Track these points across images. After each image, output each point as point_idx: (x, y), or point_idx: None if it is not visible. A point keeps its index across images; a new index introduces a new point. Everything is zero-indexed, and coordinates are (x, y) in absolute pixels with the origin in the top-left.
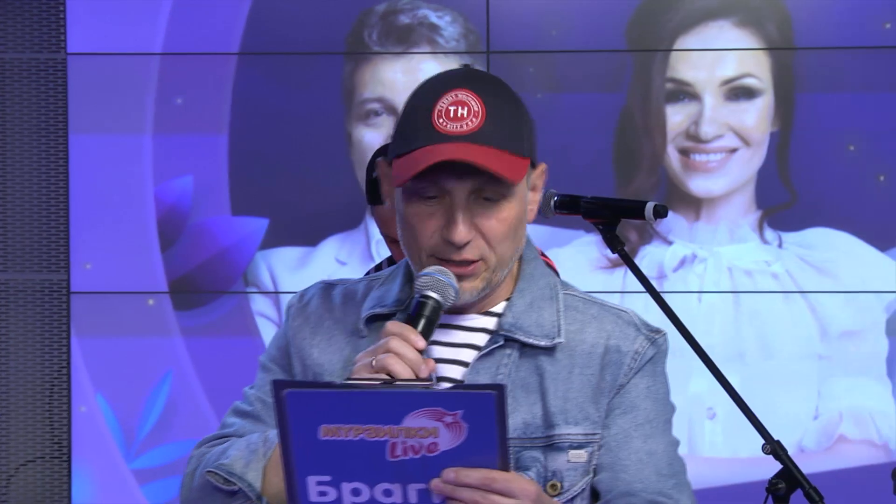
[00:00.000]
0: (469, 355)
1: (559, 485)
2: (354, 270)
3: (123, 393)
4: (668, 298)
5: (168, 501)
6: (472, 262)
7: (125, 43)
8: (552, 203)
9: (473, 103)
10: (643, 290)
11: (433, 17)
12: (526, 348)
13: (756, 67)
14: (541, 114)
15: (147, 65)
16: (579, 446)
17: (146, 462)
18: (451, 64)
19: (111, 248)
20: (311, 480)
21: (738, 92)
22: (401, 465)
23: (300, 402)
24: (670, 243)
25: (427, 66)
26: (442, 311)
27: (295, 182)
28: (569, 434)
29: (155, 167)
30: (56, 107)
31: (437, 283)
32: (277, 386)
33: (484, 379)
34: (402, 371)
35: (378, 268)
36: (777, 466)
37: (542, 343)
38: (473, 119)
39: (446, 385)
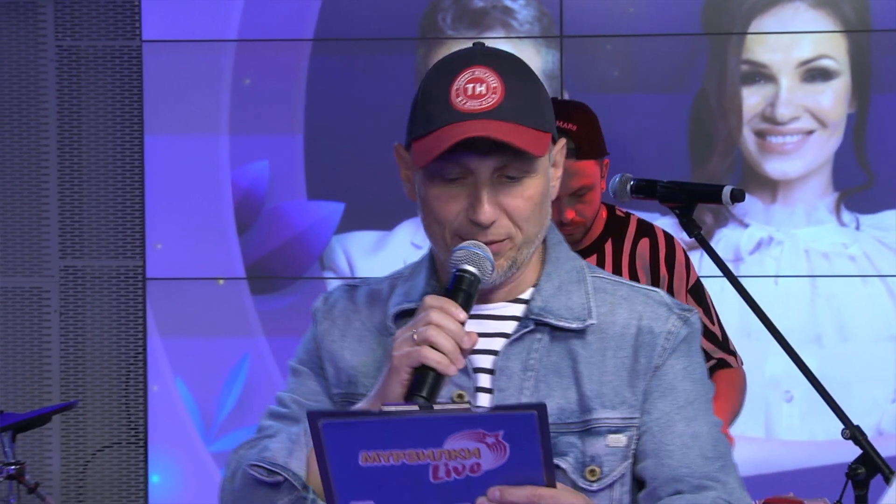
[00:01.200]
0: (500, 344)
1: (598, 470)
2: None
3: (202, 377)
4: (744, 282)
5: None
6: (499, 240)
7: (200, 30)
8: (629, 187)
9: (491, 79)
10: (720, 273)
11: (507, 1)
12: (557, 332)
13: (833, 49)
14: (615, 98)
15: (222, 51)
16: (618, 430)
17: (225, 445)
18: (525, 47)
19: (187, 234)
20: None
21: (815, 73)
22: (445, 486)
23: (337, 432)
24: (746, 226)
25: None
26: (479, 285)
27: (370, 166)
28: (607, 418)
29: (231, 152)
30: (131, 94)
31: (473, 256)
32: (312, 417)
33: (515, 365)
34: (444, 342)
35: None
36: (854, 449)
37: (574, 325)
38: (493, 95)
39: (485, 406)
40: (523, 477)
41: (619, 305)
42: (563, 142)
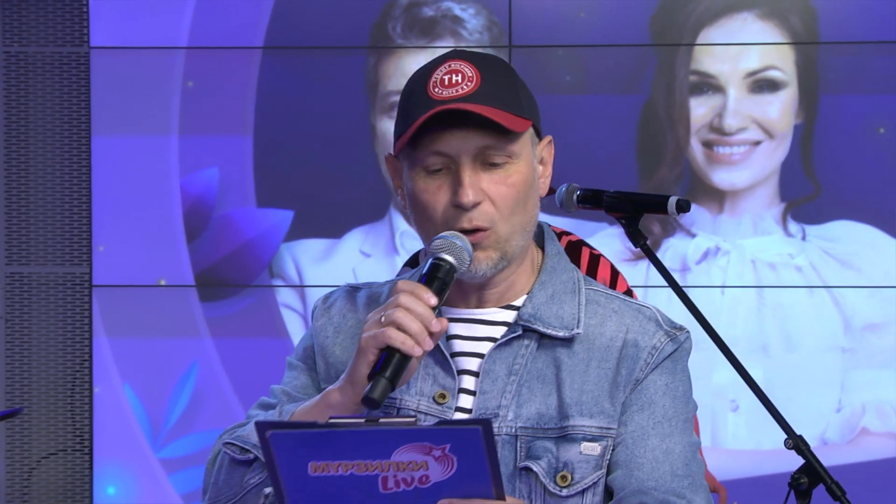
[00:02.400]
0: (487, 347)
1: (569, 476)
2: (379, 262)
3: (150, 384)
4: (691, 292)
5: (195, 490)
6: (483, 229)
7: (149, 37)
8: (575, 197)
9: (467, 70)
10: (666, 283)
11: (457, 10)
12: (544, 339)
13: (780, 60)
14: (564, 108)
15: (171, 59)
16: (593, 439)
17: (173, 451)
18: None
19: (135, 241)
20: None
21: (762, 84)
22: (395, 496)
23: (285, 442)
24: (693, 236)
25: None
26: (455, 275)
27: (319, 174)
28: (583, 426)
29: (181, 160)
30: (79, 101)
31: (451, 245)
32: (260, 427)
33: (500, 369)
34: (411, 324)
35: (414, 261)
36: (800, 459)
37: (560, 334)
38: (468, 83)
39: (431, 421)
40: (472, 490)
41: (609, 318)
42: (549, 138)
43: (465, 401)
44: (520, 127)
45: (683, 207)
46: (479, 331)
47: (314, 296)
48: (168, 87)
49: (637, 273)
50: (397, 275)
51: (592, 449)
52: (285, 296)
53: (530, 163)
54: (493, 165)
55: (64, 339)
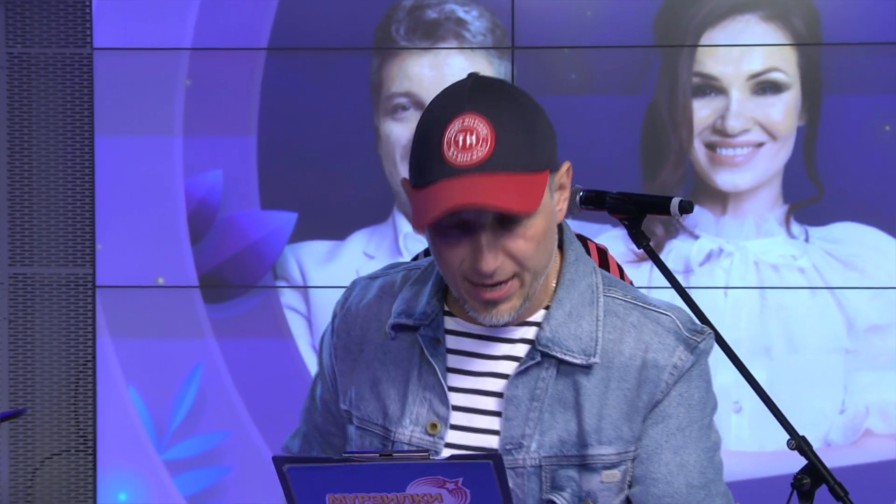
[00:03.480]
0: (508, 367)
1: None
2: (382, 264)
3: (155, 385)
4: (694, 293)
5: (200, 491)
6: (506, 281)
7: (152, 38)
8: (577, 198)
9: (481, 128)
10: (669, 284)
11: (460, 12)
12: (564, 364)
13: (783, 62)
14: (566, 109)
15: (175, 60)
16: (612, 466)
17: (177, 453)
18: (478, 59)
19: (139, 242)
20: None
21: (765, 86)
22: None
23: (302, 476)
24: (697, 237)
25: (454, 61)
26: None
27: (323, 176)
28: (601, 455)
29: (185, 162)
30: (82, 102)
31: None
32: (277, 462)
33: (523, 394)
34: None
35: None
36: (803, 461)
37: (578, 361)
38: (483, 146)
39: (445, 455)
40: None
41: (628, 333)
42: (567, 165)
43: (483, 422)
44: (534, 201)
45: (686, 208)
46: (498, 349)
47: (318, 297)
48: (171, 88)
49: (640, 274)
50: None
51: (612, 476)
52: (289, 297)
53: (549, 209)
54: (512, 221)
55: (67, 339)
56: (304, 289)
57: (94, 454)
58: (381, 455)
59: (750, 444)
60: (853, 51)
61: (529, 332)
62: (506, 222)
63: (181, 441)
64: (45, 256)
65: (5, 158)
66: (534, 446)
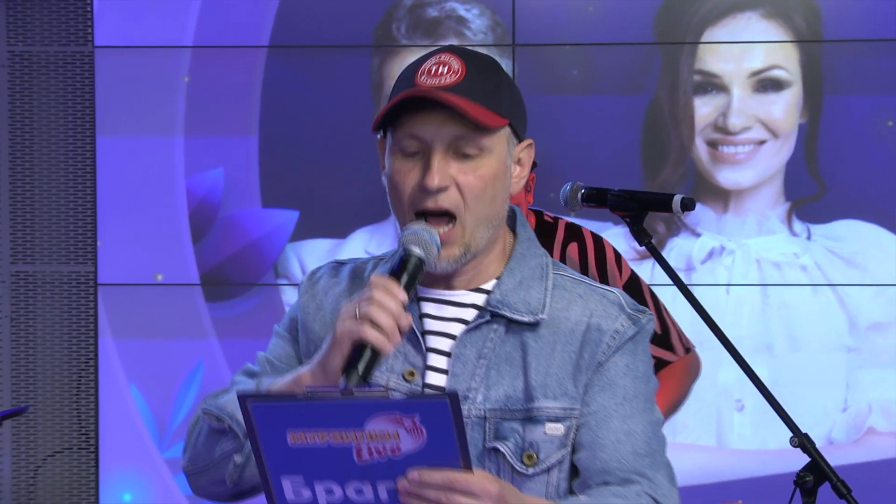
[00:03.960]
0: (458, 329)
1: (535, 455)
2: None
3: (156, 383)
4: (696, 291)
5: None
6: (447, 213)
7: (153, 36)
8: (579, 195)
9: (454, 63)
10: (671, 282)
11: (461, 10)
12: (512, 324)
13: (784, 59)
14: (568, 107)
15: (176, 58)
16: (556, 419)
17: (179, 451)
18: None
19: (140, 240)
20: (286, 480)
21: (767, 84)
22: (368, 467)
23: (266, 413)
24: (698, 235)
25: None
26: (424, 267)
27: (324, 174)
28: (547, 407)
29: (186, 160)
30: (83, 100)
31: (420, 240)
32: (242, 399)
33: (470, 352)
34: (384, 319)
35: None
36: (805, 458)
37: (526, 319)
38: (452, 76)
39: (402, 394)
40: (441, 461)
41: (575, 302)
42: (529, 141)
43: (435, 378)
44: (493, 122)
45: (688, 205)
46: (448, 311)
47: None
48: (173, 87)
49: (641, 272)
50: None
51: (556, 429)
52: (290, 295)
53: (503, 159)
54: (465, 156)
55: (69, 337)
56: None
57: (96, 452)
58: (342, 392)
59: (752, 442)
60: (854, 48)
61: (479, 299)
62: (461, 155)
63: (183, 439)
64: (47, 254)
65: (7, 156)
66: (479, 398)
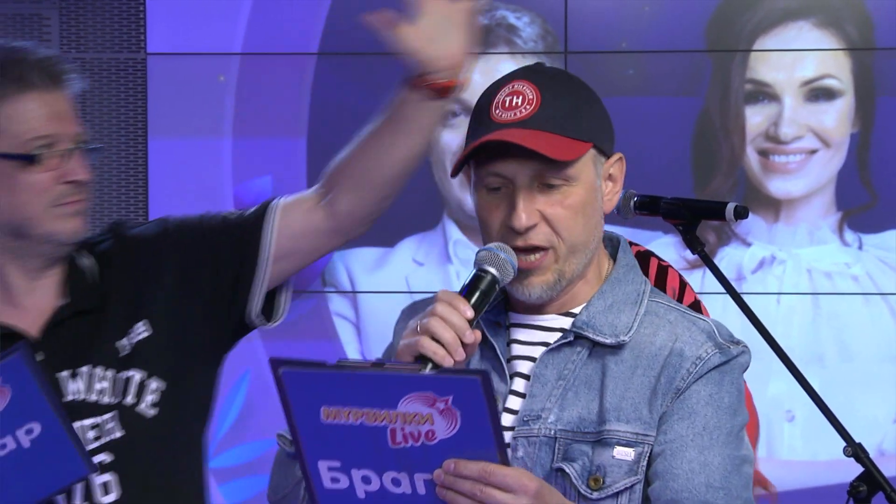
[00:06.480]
0: (541, 352)
1: (601, 479)
2: (431, 271)
3: None
4: (746, 300)
5: (246, 500)
6: (540, 248)
7: (204, 43)
8: (632, 204)
9: (528, 92)
10: (722, 291)
11: (511, 18)
12: (596, 347)
13: (836, 68)
14: (618, 115)
15: (226, 64)
16: (627, 444)
17: (224, 461)
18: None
19: None
20: (322, 466)
21: (818, 93)
22: (403, 452)
23: (297, 382)
24: (749, 245)
25: (504, 67)
26: (498, 287)
27: None
28: (617, 431)
29: (234, 167)
30: (136, 107)
31: (495, 258)
32: (274, 364)
33: (550, 374)
34: (444, 333)
35: None
36: (856, 469)
37: (609, 341)
38: (527, 106)
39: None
40: (477, 451)
41: (663, 328)
42: (618, 155)
43: (515, 403)
44: (574, 152)
45: (741, 214)
46: (535, 336)
47: (367, 304)
48: (222, 92)
49: (692, 281)
50: None
51: (626, 454)
52: (338, 304)
53: (590, 183)
54: (550, 187)
55: None
56: (352, 295)
57: None
58: (372, 364)
59: (803, 453)
60: None
61: (567, 323)
62: (545, 186)
63: (228, 449)
64: None
65: None
66: (551, 418)
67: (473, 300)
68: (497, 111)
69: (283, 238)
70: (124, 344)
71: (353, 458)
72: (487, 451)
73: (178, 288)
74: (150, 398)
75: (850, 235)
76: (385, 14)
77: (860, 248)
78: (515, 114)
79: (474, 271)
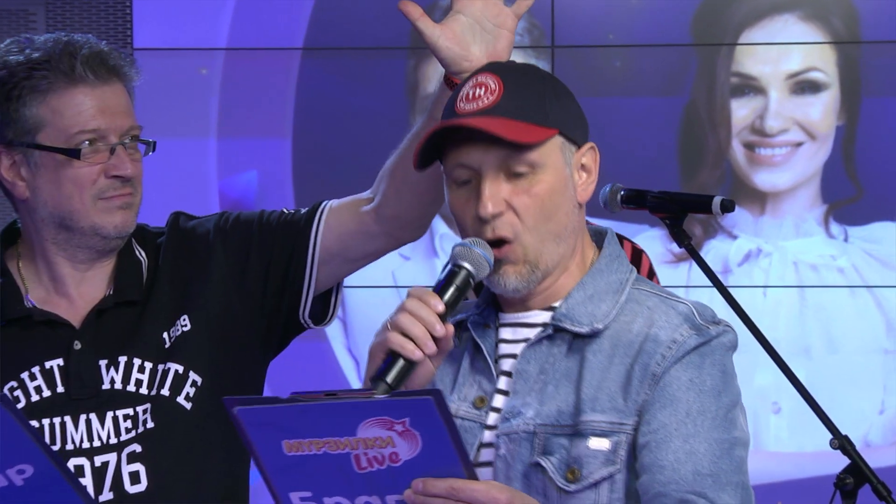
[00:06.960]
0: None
1: (578, 471)
2: (418, 265)
3: None
4: (733, 293)
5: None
6: (506, 241)
7: (190, 38)
8: (619, 197)
9: (492, 83)
10: (709, 284)
11: None
12: (576, 339)
13: (821, 61)
14: (604, 109)
15: (212, 60)
16: (602, 434)
17: None
18: (516, 58)
19: None
20: (295, 497)
21: (804, 86)
22: (370, 476)
23: (254, 419)
24: (735, 238)
25: None
26: (473, 281)
27: (359, 177)
28: (592, 421)
29: (219, 162)
30: None
31: (469, 253)
32: (228, 404)
33: (532, 369)
34: (412, 328)
35: None
36: (842, 461)
37: (584, 330)
38: (489, 96)
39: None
40: (443, 468)
41: (641, 314)
42: (591, 145)
43: (500, 401)
44: (536, 136)
45: (728, 207)
46: (520, 333)
47: (353, 299)
48: (206, 89)
49: (678, 275)
50: None
51: (601, 444)
52: None
53: (559, 172)
54: (517, 175)
55: None
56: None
57: None
58: (325, 394)
59: (789, 445)
60: (892, 50)
61: (548, 317)
62: (512, 175)
63: None
64: None
65: None
66: (530, 413)
67: (447, 297)
68: (461, 103)
69: (329, 239)
70: (167, 337)
71: (323, 486)
72: (453, 467)
73: (226, 284)
74: (186, 392)
75: (835, 228)
76: (416, 6)
77: (846, 240)
78: (478, 104)
79: (449, 267)
